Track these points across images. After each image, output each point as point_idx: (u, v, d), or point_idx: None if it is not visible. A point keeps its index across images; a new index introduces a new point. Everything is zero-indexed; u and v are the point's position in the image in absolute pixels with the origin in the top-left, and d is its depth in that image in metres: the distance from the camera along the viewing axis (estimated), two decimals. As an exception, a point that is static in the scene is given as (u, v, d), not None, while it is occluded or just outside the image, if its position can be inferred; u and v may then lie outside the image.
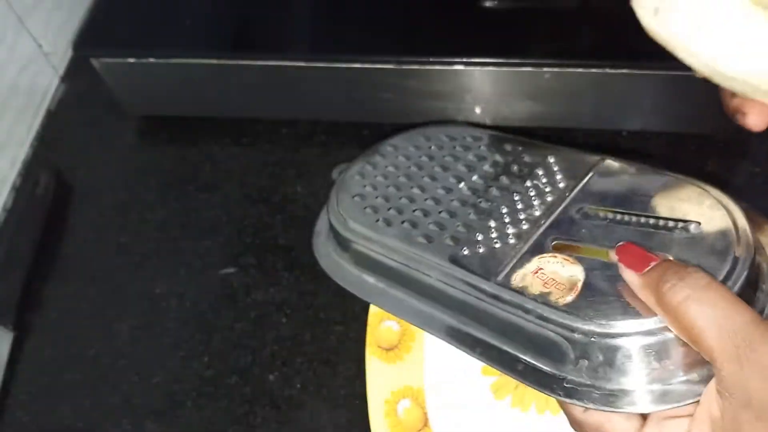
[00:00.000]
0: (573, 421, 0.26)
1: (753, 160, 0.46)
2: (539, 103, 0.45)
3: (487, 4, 0.46)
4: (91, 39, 0.46)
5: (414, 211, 0.31)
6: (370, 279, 0.32)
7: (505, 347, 0.27)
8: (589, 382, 0.24)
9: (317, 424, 0.38)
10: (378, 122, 0.50)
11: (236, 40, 0.47)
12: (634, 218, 0.27)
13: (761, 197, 0.45)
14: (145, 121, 0.52)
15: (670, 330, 0.23)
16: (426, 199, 0.31)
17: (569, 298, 0.25)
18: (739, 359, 0.20)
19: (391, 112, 0.48)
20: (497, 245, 0.28)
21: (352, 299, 0.42)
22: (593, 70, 0.42)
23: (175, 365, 0.41)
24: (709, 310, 0.21)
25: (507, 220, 0.29)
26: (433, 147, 0.35)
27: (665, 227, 0.26)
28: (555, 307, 0.25)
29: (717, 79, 0.25)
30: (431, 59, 0.43)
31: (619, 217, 0.27)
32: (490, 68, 0.43)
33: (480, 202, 0.30)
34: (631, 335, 0.23)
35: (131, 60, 0.46)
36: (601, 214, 0.28)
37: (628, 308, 0.24)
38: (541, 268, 0.26)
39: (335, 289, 0.42)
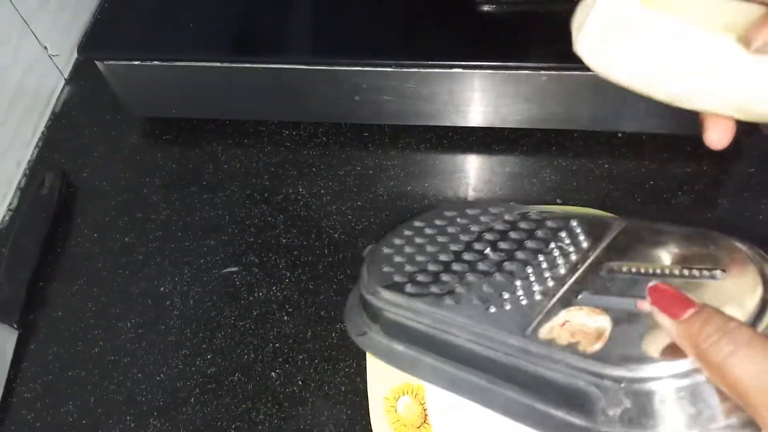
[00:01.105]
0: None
1: (747, 161, 0.47)
2: (536, 105, 0.46)
3: (485, 8, 0.46)
4: (95, 41, 0.47)
5: (442, 275, 0.32)
6: (400, 347, 0.32)
7: (537, 404, 0.26)
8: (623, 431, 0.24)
9: (318, 420, 0.38)
10: (378, 124, 0.51)
11: (239, 43, 0.47)
12: (658, 270, 0.27)
13: (756, 197, 0.45)
14: (149, 122, 0.53)
15: (701, 372, 0.22)
16: (454, 264, 0.32)
17: (597, 346, 0.25)
18: None
19: (391, 114, 0.49)
20: (524, 302, 0.29)
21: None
22: (590, 73, 0.42)
23: (178, 363, 0.41)
24: (754, 368, 0.20)
25: (533, 278, 0.30)
26: (459, 220, 0.35)
27: (691, 276, 0.26)
28: (583, 355, 0.25)
29: (660, 99, 0.26)
30: (430, 62, 0.44)
31: (643, 270, 0.27)
32: (488, 71, 0.44)
33: (506, 265, 0.31)
34: (662, 379, 0.23)
35: (135, 62, 0.46)
36: (625, 268, 0.28)
37: (658, 353, 0.23)
38: (568, 320, 0.27)
39: (336, 288, 0.43)
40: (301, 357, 0.41)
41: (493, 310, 0.29)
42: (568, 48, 0.28)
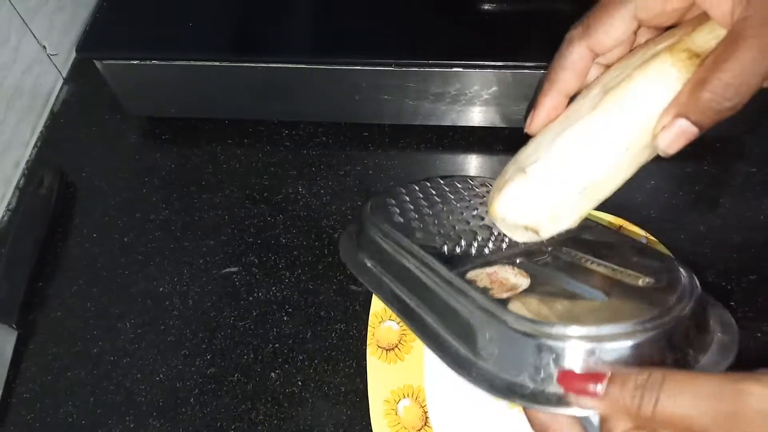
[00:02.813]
0: (532, 423, 0.27)
1: (748, 161, 0.47)
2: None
3: (486, 7, 0.46)
4: (94, 41, 0.47)
5: (425, 216, 0.35)
6: (369, 263, 0.35)
7: (442, 331, 0.29)
8: (493, 370, 0.27)
9: (318, 420, 0.38)
10: (378, 123, 0.50)
11: (238, 42, 0.47)
12: (601, 267, 0.30)
13: (758, 196, 0.45)
14: (148, 122, 0.52)
15: (575, 338, 0.25)
16: (442, 211, 0.36)
17: (504, 296, 0.28)
18: (732, 422, 0.21)
19: (390, 114, 0.48)
20: (472, 250, 0.32)
21: (353, 298, 0.43)
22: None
23: (178, 363, 0.41)
24: (682, 399, 0.22)
25: (492, 238, 0.33)
26: (459, 185, 0.39)
27: (619, 273, 0.29)
28: (486, 296, 0.28)
29: None
30: (430, 61, 0.43)
31: (584, 260, 0.31)
32: (489, 70, 0.44)
33: (483, 223, 0.35)
34: (537, 337, 0.25)
35: (134, 61, 0.46)
36: (573, 253, 0.31)
37: (539, 316, 0.26)
38: (496, 272, 0.30)
39: (336, 288, 0.43)
40: (300, 357, 0.41)
41: (445, 248, 0.32)
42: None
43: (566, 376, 0.25)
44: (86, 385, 0.41)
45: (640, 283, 0.28)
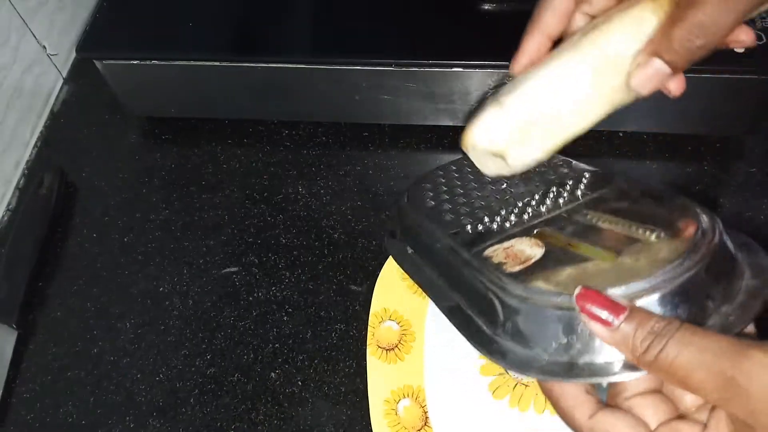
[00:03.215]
0: (577, 428, 0.26)
1: (749, 160, 0.47)
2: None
3: (486, 7, 0.46)
4: (94, 41, 0.47)
5: (455, 197, 0.36)
6: (409, 250, 0.36)
7: (465, 308, 0.30)
8: (509, 345, 0.27)
9: (318, 420, 0.38)
10: (378, 123, 0.50)
11: (238, 43, 0.47)
12: (617, 225, 0.29)
13: (758, 196, 0.45)
14: (148, 122, 0.53)
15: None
16: (471, 191, 0.36)
17: (517, 268, 0.28)
18: (728, 386, 0.20)
19: (390, 114, 0.48)
20: (494, 226, 0.33)
21: (353, 298, 0.43)
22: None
23: (178, 363, 0.41)
24: (687, 350, 0.21)
25: (515, 210, 0.33)
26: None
27: (635, 232, 0.28)
28: (499, 271, 0.28)
29: None
30: (431, 61, 0.43)
31: (605, 223, 0.30)
32: (490, 70, 0.44)
33: (504, 195, 0.35)
34: (544, 307, 0.25)
35: (134, 62, 0.46)
36: (589, 216, 0.31)
37: (553, 286, 0.26)
38: (512, 245, 0.30)
39: (336, 288, 0.43)
40: (300, 357, 0.41)
41: (469, 228, 0.33)
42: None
43: (586, 296, 0.24)
44: (86, 385, 0.41)
45: (653, 238, 0.28)
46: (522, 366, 0.26)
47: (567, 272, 0.27)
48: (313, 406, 0.39)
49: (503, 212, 0.34)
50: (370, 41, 0.45)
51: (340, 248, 0.45)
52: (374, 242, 0.45)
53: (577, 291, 0.24)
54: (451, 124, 0.49)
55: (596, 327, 0.23)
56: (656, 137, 0.48)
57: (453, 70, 0.44)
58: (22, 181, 0.51)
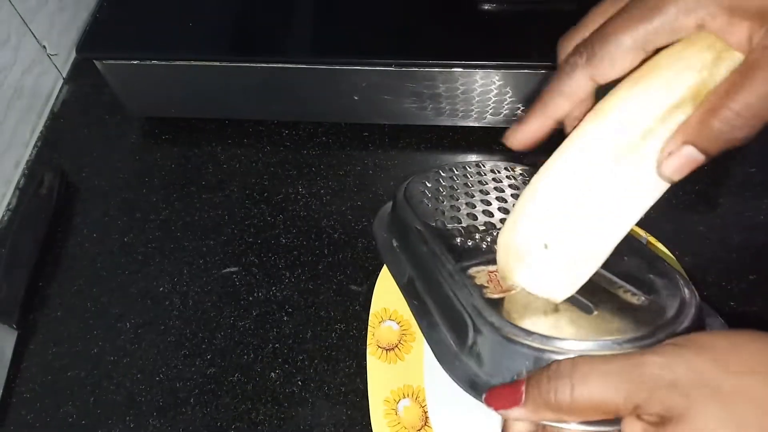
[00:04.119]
0: None
1: (748, 162, 0.47)
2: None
3: (486, 6, 0.46)
4: (94, 41, 0.47)
5: (452, 203, 0.36)
6: (394, 242, 0.37)
7: (439, 318, 0.31)
8: (473, 367, 0.27)
9: (318, 420, 0.38)
10: (378, 123, 0.51)
11: (238, 43, 0.47)
12: (602, 278, 0.30)
13: (758, 197, 0.45)
14: (148, 122, 0.53)
15: (548, 351, 0.25)
16: (468, 201, 0.36)
17: (496, 296, 0.28)
18: (639, 391, 0.22)
19: (390, 114, 0.49)
20: (484, 245, 0.32)
21: (352, 298, 0.43)
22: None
23: (178, 363, 0.41)
24: (593, 382, 0.23)
25: None
26: (486, 166, 0.40)
27: (619, 290, 0.29)
28: (479, 294, 0.28)
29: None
30: (430, 62, 0.43)
31: (596, 275, 0.30)
32: (489, 71, 0.44)
33: (497, 213, 0.35)
34: (514, 343, 0.26)
35: (134, 62, 0.46)
36: None
37: (522, 323, 0.26)
38: (497, 272, 0.30)
39: (336, 288, 0.43)
40: (300, 357, 0.41)
41: (458, 241, 0.33)
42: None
43: (491, 395, 0.26)
44: (86, 385, 0.41)
45: (636, 300, 0.28)
46: (475, 389, 0.27)
47: (544, 312, 0.28)
48: (313, 406, 0.39)
49: (494, 233, 0.34)
50: (370, 41, 0.45)
51: (340, 248, 0.45)
52: (374, 242, 0.45)
53: (484, 396, 0.26)
54: (451, 124, 0.49)
55: (516, 413, 0.25)
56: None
57: (453, 70, 0.44)
58: (22, 181, 0.51)
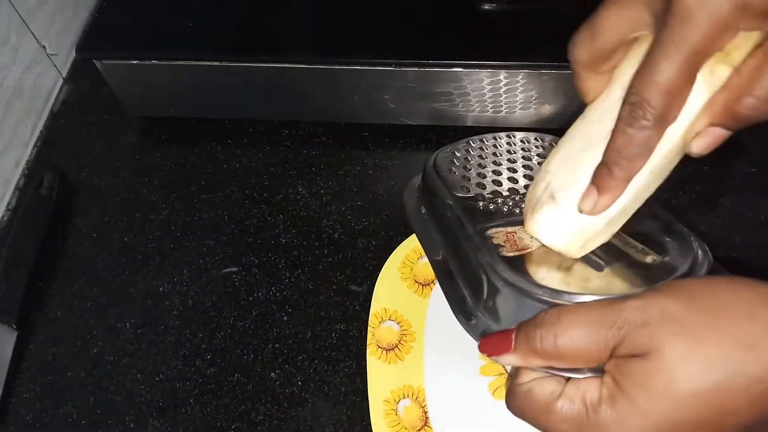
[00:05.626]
0: (509, 393, 0.27)
1: (749, 161, 0.47)
2: (537, 104, 0.46)
3: (486, 6, 0.46)
4: (94, 40, 0.47)
5: (479, 171, 0.37)
6: (423, 209, 0.37)
7: (459, 278, 0.32)
8: (488, 323, 0.28)
9: (318, 420, 0.38)
10: (378, 123, 0.50)
11: (238, 42, 0.47)
12: (617, 237, 0.30)
13: (758, 196, 0.45)
14: (148, 122, 0.52)
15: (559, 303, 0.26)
16: (494, 168, 0.37)
17: (512, 254, 0.29)
18: (614, 336, 0.22)
19: (390, 114, 0.48)
20: (505, 209, 0.34)
21: (352, 298, 0.43)
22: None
23: (177, 363, 0.41)
24: (577, 330, 0.23)
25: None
26: (528, 142, 0.40)
27: (632, 249, 0.30)
28: (495, 252, 0.29)
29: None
30: (431, 61, 0.43)
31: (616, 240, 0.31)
32: (489, 71, 0.44)
33: (522, 180, 0.36)
34: (526, 296, 0.26)
35: (134, 61, 0.46)
36: None
37: (534, 276, 0.27)
38: (515, 231, 0.31)
39: (336, 288, 0.43)
40: (300, 357, 0.41)
41: (480, 205, 0.34)
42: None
43: (484, 342, 0.27)
44: (86, 385, 0.41)
45: (648, 260, 0.29)
46: None
47: (557, 269, 0.29)
48: (313, 406, 0.39)
49: (517, 197, 0.35)
50: (370, 41, 0.45)
51: (340, 248, 0.45)
52: (374, 242, 0.45)
53: (478, 343, 0.27)
54: (451, 124, 0.49)
55: (506, 359, 0.25)
56: (656, 137, 0.48)
57: (453, 70, 0.44)
58: (22, 181, 0.51)
